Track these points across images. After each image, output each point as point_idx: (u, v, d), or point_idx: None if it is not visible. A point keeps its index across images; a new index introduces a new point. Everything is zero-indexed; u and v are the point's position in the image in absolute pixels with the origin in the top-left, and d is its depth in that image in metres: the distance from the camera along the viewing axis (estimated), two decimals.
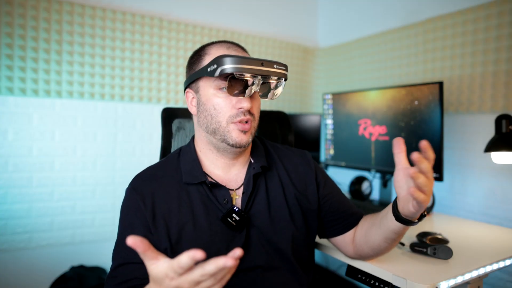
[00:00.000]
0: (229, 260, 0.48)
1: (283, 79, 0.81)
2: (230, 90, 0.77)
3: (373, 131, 1.67)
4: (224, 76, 0.75)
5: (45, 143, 1.64)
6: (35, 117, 1.62)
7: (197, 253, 0.48)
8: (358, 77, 2.16)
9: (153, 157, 1.89)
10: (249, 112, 0.79)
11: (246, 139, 0.80)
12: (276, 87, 0.83)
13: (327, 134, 1.95)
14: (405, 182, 0.70)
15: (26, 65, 1.58)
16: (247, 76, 0.74)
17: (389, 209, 0.78)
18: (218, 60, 0.74)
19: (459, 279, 0.87)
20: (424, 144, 0.64)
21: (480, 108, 1.51)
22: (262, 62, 0.75)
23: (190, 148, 0.88)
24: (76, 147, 1.71)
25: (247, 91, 0.77)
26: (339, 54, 2.31)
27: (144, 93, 1.87)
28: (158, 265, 0.53)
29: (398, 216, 0.74)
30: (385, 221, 0.79)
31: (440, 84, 1.38)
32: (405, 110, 1.52)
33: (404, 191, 0.71)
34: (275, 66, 0.78)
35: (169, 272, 0.52)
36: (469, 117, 1.56)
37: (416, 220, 0.73)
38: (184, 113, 1.12)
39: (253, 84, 0.76)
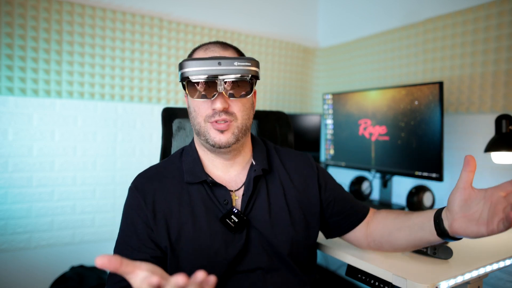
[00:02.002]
0: (180, 278, 0.44)
1: (250, 75, 0.75)
2: (206, 92, 0.76)
3: (373, 131, 1.67)
4: (186, 80, 0.75)
5: (45, 143, 1.64)
6: (35, 117, 1.62)
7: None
8: (358, 77, 2.16)
9: (153, 157, 1.89)
10: (227, 112, 0.77)
11: (225, 139, 0.78)
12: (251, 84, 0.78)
13: (327, 134, 1.95)
14: (475, 203, 0.66)
15: (26, 65, 1.58)
16: (202, 78, 0.73)
17: (426, 221, 0.76)
18: (179, 65, 0.75)
19: (459, 279, 0.87)
20: None
21: (480, 108, 1.51)
22: (219, 62, 0.73)
23: (191, 148, 0.88)
24: (76, 147, 1.71)
25: (214, 94, 0.75)
26: (339, 54, 2.31)
27: (144, 93, 1.87)
28: (136, 280, 0.47)
29: (444, 233, 0.72)
30: (421, 233, 0.77)
31: (440, 84, 1.38)
32: (405, 110, 1.52)
33: (470, 212, 0.67)
34: (235, 63, 0.73)
35: None
36: (469, 117, 1.56)
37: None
38: (184, 113, 1.12)
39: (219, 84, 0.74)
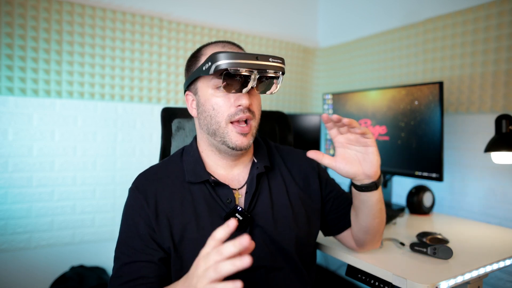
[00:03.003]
0: (245, 239, 0.52)
1: (280, 72, 0.78)
2: (228, 88, 0.75)
3: (373, 131, 1.67)
4: (219, 73, 0.74)
5: (45, 143, 1.64)
6: (35, 117, 1.62)
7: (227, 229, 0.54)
8: (358, 77, 2.16)
9: (153, 157, 1.89)
10: (249, 109, 0.78)
11: (246, 141, 0.79)
12: (273, 82, 0.81)
13: (327, 134, 1.95)
14: (348, 153, 0.78)
15: (26, 65, 1.58)
16: (242, 71, 0.73)
17: (354, 192, 0.84)
18: (212, 57, 0.73)
19: (459, 279, 0.87)
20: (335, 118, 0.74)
21: (480, 108, 1.51)
22: (257, 56, 0.74)
23: (192, 148, 0.88)
24: (76, 147, 1.71)
25: (245, 87, 0.75)
26: (339, 54, 2.31)
27: (144, 93, 1.87)
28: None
29: (357, 186, 0.80)
30: (356, 201, 0.84)
31: (440, 84, 1.38)
32: (405, 110, 1.52)
33: (351, 159, 0.78)
34: (270, 59, 0.76)
35: (207, 246, 0.56)
36: (469, 117, 1.56)
37: (377, 180, 0.79)
38: (183, 113, 1.12)
39: (250, 80, 0.74)
